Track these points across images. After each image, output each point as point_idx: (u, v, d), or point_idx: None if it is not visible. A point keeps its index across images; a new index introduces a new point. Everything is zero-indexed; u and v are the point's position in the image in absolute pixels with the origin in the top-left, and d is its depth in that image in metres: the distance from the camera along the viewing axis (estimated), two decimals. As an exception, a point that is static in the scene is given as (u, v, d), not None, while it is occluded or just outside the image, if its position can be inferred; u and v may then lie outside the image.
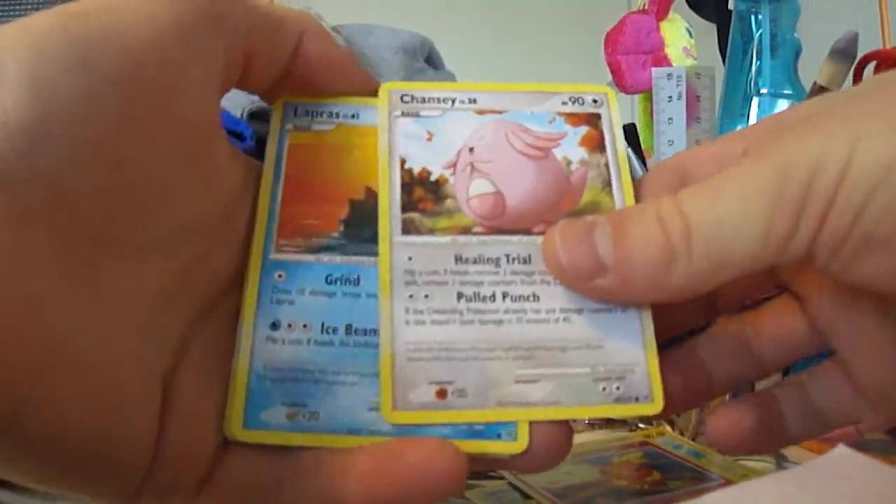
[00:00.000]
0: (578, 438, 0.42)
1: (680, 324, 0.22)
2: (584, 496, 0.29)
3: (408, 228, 0.19)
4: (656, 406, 0.18)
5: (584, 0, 1.75)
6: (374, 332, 0.18)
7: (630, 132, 0.52)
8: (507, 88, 0.22)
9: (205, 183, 0.17)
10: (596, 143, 0.21)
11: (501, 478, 0.31)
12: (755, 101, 0.57)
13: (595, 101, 0.22)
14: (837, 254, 0.16)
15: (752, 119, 0.57)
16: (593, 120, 0.21)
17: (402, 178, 0.20)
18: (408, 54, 0.81)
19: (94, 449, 0.15)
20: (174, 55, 0.16)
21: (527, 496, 0.30)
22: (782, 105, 0.57)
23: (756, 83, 0.57)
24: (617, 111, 0.22)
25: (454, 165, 0.20)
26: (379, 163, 0.20)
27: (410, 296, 0.18)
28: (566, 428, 0.18)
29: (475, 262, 0.19)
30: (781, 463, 0.36)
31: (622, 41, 0.51)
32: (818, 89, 0.45)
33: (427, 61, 0.86)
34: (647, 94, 0.51)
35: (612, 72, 0.52)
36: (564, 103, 0.22)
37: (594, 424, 0.44)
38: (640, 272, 0.17)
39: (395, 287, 0.19)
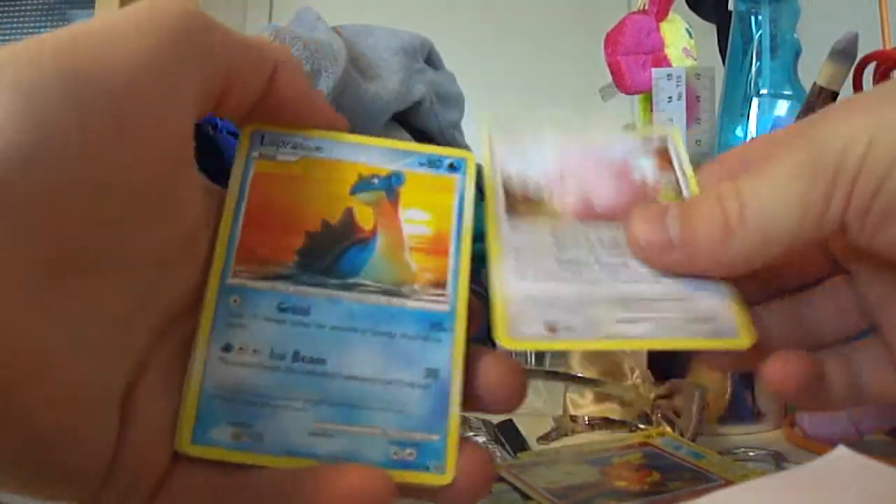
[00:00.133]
0: (578, 439, 0.42)
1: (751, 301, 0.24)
2: (584, 497, 0.29)
3: (511, 213, 0.22)
4: (744, 340, 0.20)
5: (584, 0, 1.75)
6: (321, 360, 0.19)
7: (630, 132, 0.52)
8: (591, 135, 0.25)
9: (172, 209, 0.18)
10: (666, 165, 0.24)
11: (501, 479, 0.31)
12: (755, 101, 0.57)
13: (662, 138, 0.25)
14: (863, 224, 0.19)
15: (752, 119, 0.57)
16: (662, 151, 0.25)
17: (504, 183, 0.23)
18: (407, 55, 0.81)
19: (55, 461, 0.16)
20: (155, 86, 0.17)
21: (527, 497, 0.30)
22: (782, 106, 0.57)
23: (756, 84, 0.57)
24: (682, 144, 0.25)
25: (548, 174, 0.23)
26: (485, 172, 0.23)
27: (515, 261, 0.21)
28: (489, 465, 0.20)
29: (570, 240, 0.22)
30: (781, 463, 0.36)
31: (622, 41, 0.51)
32: (818, 90, 0.45)
33: (427, 62, 0.86)
34: (647, 94, 0.51)
35: (612, 72, 0.52)
36: (638, 145, 0.25)
37: (594, 425, 0.44)
38: (704, 248, 0.20)
39: (505, 256, 0.21)
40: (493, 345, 0.20)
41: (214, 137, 0.56)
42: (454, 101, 0.87)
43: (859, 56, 0.44)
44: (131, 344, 0.18)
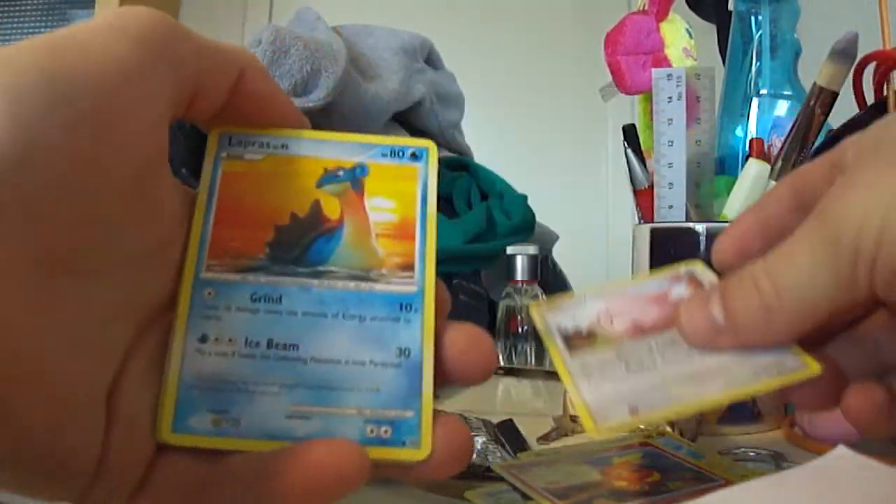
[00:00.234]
0: (578, 439, 0.42)
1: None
2: (584, 497, 0.29)
3: (573, 349, 0.25)
4: (813, 368, 0.21)
5: (584, 0, 1.75)
6: (294, 346, 0.20)
7: (630, 133, 0.52)
8: (626, 284, 0.28)
9: (151, 210, 0.19)
10: (697, 284, 0.26)
11: (501, 479, 0.31)
12: (755, 101, 0.57)
13: (688, 270, 0.27)
14: (891, 293, 0.20)
15: (752, 119, 0.57)
16: (691, 277, 0.27)
17: (561, 333, 0.25)
18: (407, 55, 0.81)
19: (45, 459, 0.16)
20: (134, 90, 0.17)
21: (527, 497, 0.30)
22: (782, 106, 0.57)
23: (756, 84, 0.57)
24: (706, 268, 0.27)
25: (597, 315, 0.26)
26: (542, 335, 0.26)
27: (587, 379, 0.23)
28: (466, 437, 0.20)
29: (630, 351, 0.24)
30: (781, 463, 0.36)
31: (622, 42, 0.51)
32: (818, 90, 0.45)
33: (427, 62, 0.86)
34: (647, 94, 0.51)
35: (612, 72, 0.52)
36: (668, 279, 0.27)
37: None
38: (749, 327, 0.22)
39: (576, 377, 0.23)
40: None
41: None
42: (454, 101, 0.87)
43: (859, 56, 0.44)
44: (116, 342, 0.18)
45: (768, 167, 0.46)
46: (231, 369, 0.20)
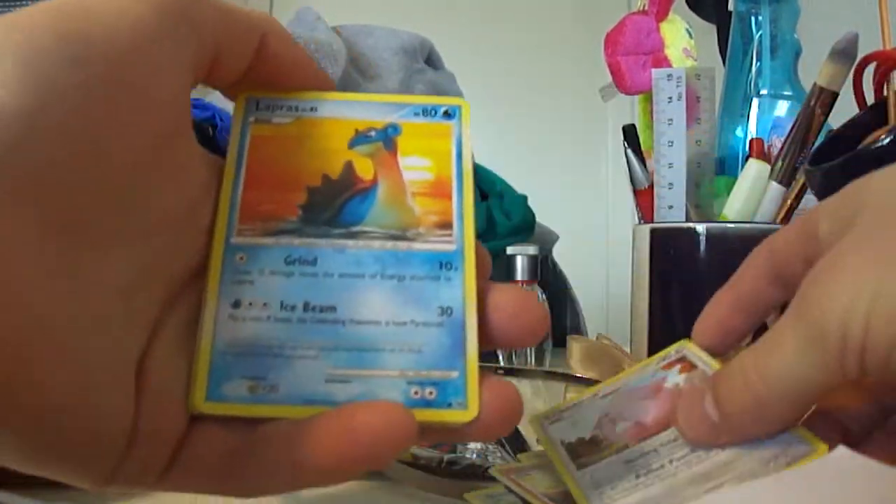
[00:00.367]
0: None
1: None
2: (584, 497, 0.29)
3: (577, 460, 0.24)
4: (820, 449, 0.21)
5: (584, 0, 1.75)
6: (331, 308, 0.19)
7: (630, 133, 0.52)
8: (619, 380, 0.28)
9: (175, 176, 0.18)
10: (690, 367, 0.26)
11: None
12: (755, 101, 0.57)
13: (678, 350, 0.27)
14: (884, 375, 0.20)
15: (752, 120, 0.57)
16: (682, 359, 0.27)
17: (564, 446, 0.25)
18: (407, 55, 0.81)
19: (72, 432, 0.15)
20: (152, 53, 0.17)
21: (526, 501, 0.30)
22: (782, 106, 0.57)
23: (756, 84, 0.57)
24: (696, 347, 0.27)
25: (596, 422, 0.25)
26: (545, 448, 0.25)
27: (599, 494, 0.23)
28: (515, 397, 0.19)
29: (638, 456, 0.23)
30: (781, 464, 0.36)
31: (622, 42, 0.51)
32: (818, 90, 0.45)
33: (427, 62, 0.86)
34: (647, 95, 0.50)
35: (611, 72, 0.52)
36: (661, 366, 0.27)
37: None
38: (744, 422, 0.22)
39: (586, 493, 0.23)
40: None
41: (214, 137, 0.56)
42: (454, 101, 0.87)
43: (859, 56, 0.44)
44: (144, 312, 0.18)
45: (768, 167, 0.46)
46: (266, 334, 0.19)
